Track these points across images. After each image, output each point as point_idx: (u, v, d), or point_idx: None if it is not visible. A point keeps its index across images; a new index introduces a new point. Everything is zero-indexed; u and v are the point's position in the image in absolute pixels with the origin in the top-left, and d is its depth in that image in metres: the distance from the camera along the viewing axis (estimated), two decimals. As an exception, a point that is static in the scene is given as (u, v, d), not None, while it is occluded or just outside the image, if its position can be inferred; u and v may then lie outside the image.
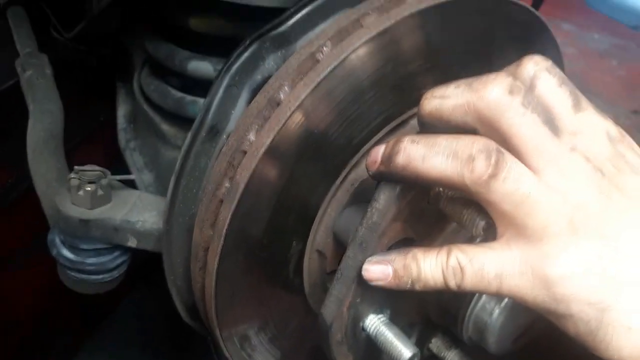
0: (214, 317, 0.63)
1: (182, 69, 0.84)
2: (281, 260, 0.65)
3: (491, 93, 0.47)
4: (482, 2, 0.63)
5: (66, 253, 0.76)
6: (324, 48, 0.57)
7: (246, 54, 0.63)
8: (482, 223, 0.51)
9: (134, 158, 1.00)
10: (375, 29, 0.56)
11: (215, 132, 0.64)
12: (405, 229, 0.56)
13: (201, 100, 0.85)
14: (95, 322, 1.42)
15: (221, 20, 0.82)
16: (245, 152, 0.58)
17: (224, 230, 0.58)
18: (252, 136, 0.58)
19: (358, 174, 0.63)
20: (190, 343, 1.31)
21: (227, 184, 0.59)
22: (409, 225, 0.56)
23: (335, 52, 0.56)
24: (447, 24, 0.61)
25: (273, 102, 0.58)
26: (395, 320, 0.59)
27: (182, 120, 0.88)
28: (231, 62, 0.64)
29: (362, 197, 0.63)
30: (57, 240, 0.76)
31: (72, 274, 0.77)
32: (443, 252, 0.50)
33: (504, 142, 0.47)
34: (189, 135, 0.65)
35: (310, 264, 0.66)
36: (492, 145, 0.46)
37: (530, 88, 0.47)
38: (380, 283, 0.53)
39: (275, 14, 0.66)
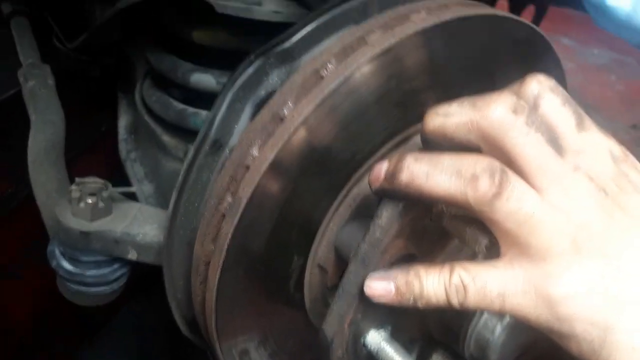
0: (214, 331, 0.63)
1: (185, 81, 0.84)
2: (282, 275, 0.65)
3: (495, 112, 0.47)
4: (485, 20, 0.63)
5: (66, 265, 0.75)
6: (329, 65, 0.58)
7: (250, 69, 0.64)
8: (484, 241, 0.51)
9: (134, 169, 1.00)
10: (379, 46, 0.56)
11: (218, 146, 0.64)
12: (407, 245, 0.56)
13: (203, 112, 0.85)
14: (94, 328, 1.41)
15: (224, 33, 0.83)
16: (248, 167, 0.58)
17: (226, 245, 0.58)
18: (255, 151, 0.58)
19: (360, 189, 0.64)
20: (189, 355, 1.30)
21: (229, 199, 0.59)
22: (411, 242, 0.56)
23: (340, 69, 0.56)
24: (451, 42, 0.61)
25: (277, 118, 0.58)
26: (396, 337, 0.59)
27: (184, 132, 0.88)
28: (235, 77, 0.64)
29: (364, 213, 0.63)
30: (57, 252, 0.76)
31: (72, 285, 0.77)
32: (446, 269, 0.50)
33: (508, 161, 0.47)
34: (192, 149, 0.65)
35: (311, 278, 0.66)
36: (496, 164, 0.46)
37: (533, 107, 0.47)
38: (382, 300, 0.53)
39: (279, 28, 0.66)
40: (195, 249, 0.64)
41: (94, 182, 0.73)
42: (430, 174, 0.48)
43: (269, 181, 0.57)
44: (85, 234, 0.73)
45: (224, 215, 0.59)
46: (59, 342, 1.34)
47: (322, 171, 0.60)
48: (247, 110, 0.64)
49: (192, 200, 0.67)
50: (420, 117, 0.52)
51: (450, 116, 0.49)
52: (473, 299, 0.49)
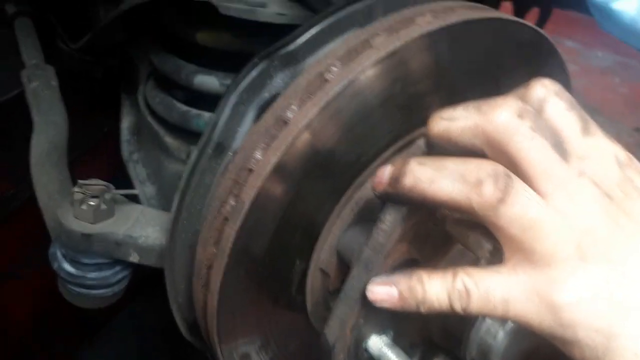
0: (215, 334, 0.62)
1: (188, 83, 0.84)
2: (284, 279, 0.64)
3: (500, 116, 0.46)
4: (490, 24, 0.63)
5: (67, 267, 0.75)
6: (333, 68, 0.57)
7: (254, 72, 0.63)
8: (488, 246, 0.50)
9: (136, 170, 1.00)
10: (384, 49, 0.56)
11: (221, 149, 0.64)
12: (410, 250, 0.56)
13: (206, 114, 0.85)
14: (94, 328, 1.41)
15: (228, 35, 0.83)
16: (251, 170, 0.58)
17: (228, 249, 0.57)
18: (258, 154, 0.58)
19: (363, 192, 0.63)
20: (189, 356, 1.30)
21: (232, 202, 0.59)
22: (414, 247, 0.56)
23: (345, 72, 0.56)
24: (456, 45, 0.61)
25: (280, 121, 0.58)
26: (397, 341, 0.58)
27: (187, 134, 0.88)
28: (239, 80, 0.63)
29: (366, 217, 0.63)
30: (59, 254, 0.76)
31: (73, 288, 0.77)
32: (449, 274, 0.50)
33: (513, 165, 0.46)
34: (195, 151, 0.65)
35: (313, 282, 0.66)
36: (500, 169, 0.46)
37: (539, 112, 0.47)
38: (384, 304, 0.53)
39: (283, 30, 0.66)
40: (198, 252, 0.63)
41: (96, 184, 0.73)
42: (434, 178, 0.48)
43: (272, 185, 0.57)
44: (87, 236, 0.73)
45: (226, 219, 0.59)
46: (59, 342, 1.34)
47: (326, 174, 0.60)
48: (251, 113, 0.64)
49: (194, 204, 0.67)
50: (424, 121, 0.51)
51: (455, 120, 0.49)
52: (476, 305, 0.49)
